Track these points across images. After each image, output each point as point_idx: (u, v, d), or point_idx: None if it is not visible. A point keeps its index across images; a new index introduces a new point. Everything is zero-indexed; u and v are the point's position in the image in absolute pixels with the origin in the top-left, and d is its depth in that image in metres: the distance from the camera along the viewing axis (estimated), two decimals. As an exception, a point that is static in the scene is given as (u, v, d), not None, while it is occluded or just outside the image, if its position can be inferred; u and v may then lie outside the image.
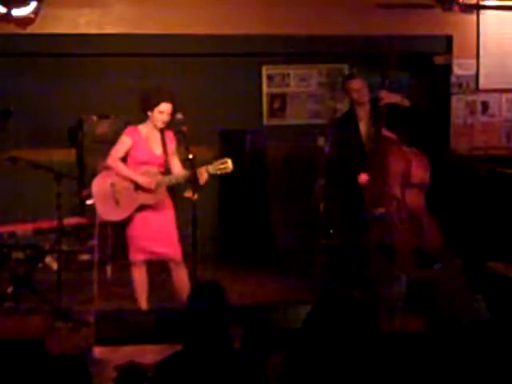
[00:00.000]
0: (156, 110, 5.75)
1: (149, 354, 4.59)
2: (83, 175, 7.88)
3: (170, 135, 5.85)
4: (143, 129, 5.86)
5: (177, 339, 3.66)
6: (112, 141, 7.86)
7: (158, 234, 5.82)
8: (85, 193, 6.02)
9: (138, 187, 5.78)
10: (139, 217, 5.81)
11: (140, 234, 5.82)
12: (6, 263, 6.62)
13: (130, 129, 5.88)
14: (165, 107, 5.75)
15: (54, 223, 6.08)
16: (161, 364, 3.39)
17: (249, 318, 5.00)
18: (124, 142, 5.84)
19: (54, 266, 7.00)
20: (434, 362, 3.43)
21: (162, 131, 5.82)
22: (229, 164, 5.62)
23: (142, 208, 5.81)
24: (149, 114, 5.79)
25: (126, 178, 5.78)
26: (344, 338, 3.32)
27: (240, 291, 6.53)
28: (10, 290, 6.30)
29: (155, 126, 5.80)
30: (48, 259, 7.27)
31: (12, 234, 6.40)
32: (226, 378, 3.31)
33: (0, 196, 7.67)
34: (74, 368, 4.14)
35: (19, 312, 6.11)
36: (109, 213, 5.87)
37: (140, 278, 5.91)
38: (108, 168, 5.87)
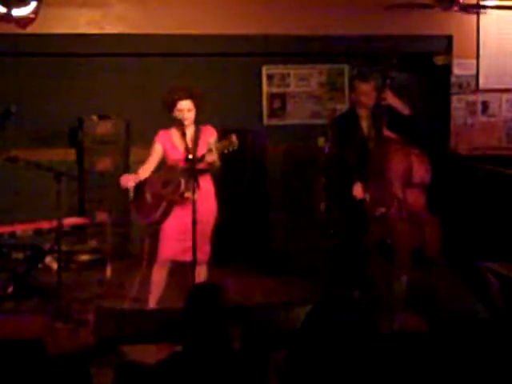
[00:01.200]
0: (175, 109, 5.78)
1: (149, 354, 4.59)
2: (83, 175, 7.90)
3: (207, 130, 5.86)
4: (174, 130, 5.89)
5: (177, 339, 3.66)
6: (112, 141, 7.94)
7: (189, 235, 5.62)
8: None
9: (164, 185, 5.78)
10: (175, 217, 5.79)
11: (171, 233, 5.79)
12: (6, 263, 6.63)
13: (160, 133, 5.92)
14: (183, 105, 5.77)
15: (54, 223, 6.08)
16: (161, 364, 3.40)
17: (249, 318, 5.00)
18: (155, 150, 5.90)
19: (54, 266, 7.00)
20: (434, 361, 3.44)
21: (195, 127, 5.80)
22: (233, 139, 5.55)
23: (178, 207, 5.77)
24: (173, 114, 5.82)
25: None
26: (344, 338, 3.32)
27: (240, 291, 6.54)
28: (10, 290, 6.31)
29: (182, 125, 5.81)
30: (48, 259, 7.27)
31: (12, 234, 6.40)
32: (226, 377, 3.31)
33: (0, 196, 7.67)
34: (73, 368, 4.15)
35: (19, 312, 6.11)
36: (146, 217, 5.87)
37: (160, 277, 5.88)
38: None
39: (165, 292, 5.99)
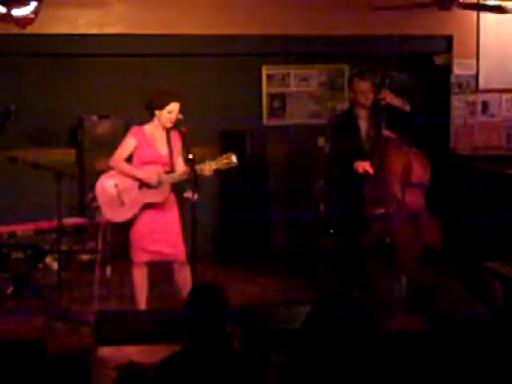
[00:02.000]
0: (165, 110, 5.74)
1: (149, 354, 4.58)
2: (83, 175, 7.90)
3: (176, 135, 5.83)
4: (148, 128, 5.84)
5: (177, 339, 3.66)
6: (112, 141, 7.91)
7: (162, 235, 5.79)
8: (90, 196, 6.01)
9: (141, 186, 5.77)
10: (143, 217, 5.79)
11: (144, 233, 5.80)
12: (6, 263, 6.63)
13: (134, 129, 5.87)
14: (174, 107, 5.75)
15: (54, 223, 6.08)
16: (161, 364, 3.39)
17: (249, 318, 5.00)
18: (128, 143, 5.84)
19: (54, 266, 7.00)
20: (434, 361, 3.44)
21: (167, 131, 5.80)
22: (233, 159, 5.58)
23: (146, 207, 5.78)
24: (156, 113, 5.78)
25: (128, 176, 5.78)
26: (344, 338, 3.32)
27: (240, 291, 6.54)
28: (10, 290, 6.31)
29: (162, 126, 5.79)
30: (48, 259, 7.27)
31: (12, 234, 6.40)
32: (226, 378, 3.31)
33: (0, 196, 7.66)
34: (73, 368, 4.15)
35: (19, 312, 6.11)
36: (114, 214, 5.83)
37: (141, 278, 5.89)
38: (111, 169, 5.87)
39: (159, 292, 6.01)
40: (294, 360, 3.58)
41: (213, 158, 5.65)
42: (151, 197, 5.77)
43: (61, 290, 6.03)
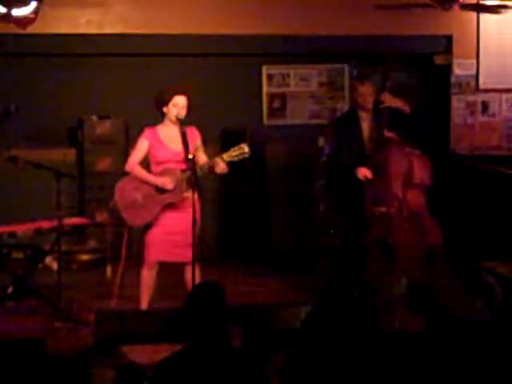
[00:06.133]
0: (170, 104, 5.71)
1: (149, 354, 4.59)
2: (83, 175, 7.91)
3: (192, 131, 5.80)
4: (161, 128, 5.81)
5: (177, 339, 3.66)
6: (112, 141, 7.94)
7: (178, 236, 5.70)
8: (111, 203, 6.00)
9: (159, 188, 5.75)
10: (162, 218, 5.75)
11: (161, 235, 5.75)
12: (6, 263, 6.62)
13: (147, 131, 5.83)
14: (178, 100, 5.71)
15: (54, 223, 6.08)
16: (161, 364, 3.39)
17: (249, 318, 5.00)
18: (141, 146, 5.81)
19: (54, 266, 7.00)
20: (434, 361, 3.44)
21: (182, 127, 5.71)
22: (245, 149, 5.55)
23: (165, 208, 5.74)
24: (164, 110, 5.75)
25: (144, 182, 5.76)
26: (344, 338, 3.32)
27: (240, 291, 6.53)
28: (10, 290, 6.31)
29: (173, 122, 5.76)
30: (48, 259, 7.27)
31: (12, 234, 6.39)
32: (226, 377, 3.31)
33: (0, 196, 7.66)
34: (73, 368, 4.15)
35: (19, 312, 6.11)
36: (135, 218, 5.80)
37: (149, 278, 5.84)
38: (128, 173, 5.84)
39: (160, 292, 6.00)
40: (294, 360, 3.57)
41: (224, 151, 5.63)
42: (170, 197, 5.73)
43: (61, 290, 6.03)
